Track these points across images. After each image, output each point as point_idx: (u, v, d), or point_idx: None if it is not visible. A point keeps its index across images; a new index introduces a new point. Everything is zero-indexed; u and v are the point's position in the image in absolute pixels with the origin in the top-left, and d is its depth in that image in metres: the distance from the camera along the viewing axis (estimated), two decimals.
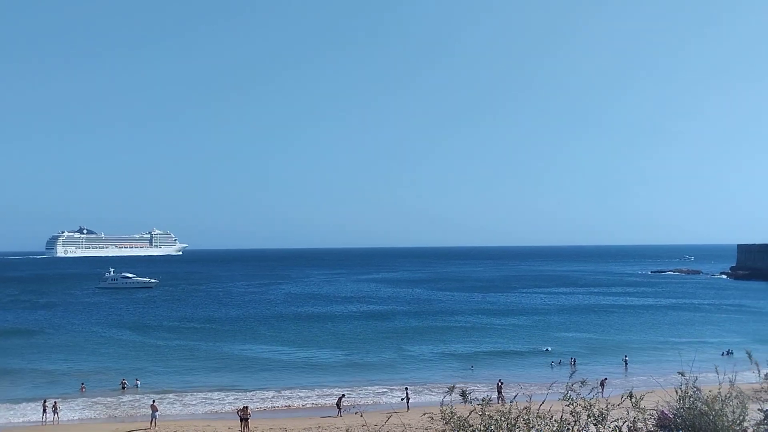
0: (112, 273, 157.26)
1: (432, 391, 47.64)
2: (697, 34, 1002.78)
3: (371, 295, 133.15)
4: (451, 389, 9.73)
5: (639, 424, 8.84)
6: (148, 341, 74.28)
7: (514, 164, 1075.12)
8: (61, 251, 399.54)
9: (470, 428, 8.53)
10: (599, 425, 8.46)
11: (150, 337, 76.89)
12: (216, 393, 49.32)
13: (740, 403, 8.72)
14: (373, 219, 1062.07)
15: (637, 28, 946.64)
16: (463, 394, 9.35)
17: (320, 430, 37.55)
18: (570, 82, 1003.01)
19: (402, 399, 44.21)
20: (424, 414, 11.70)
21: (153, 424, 39.11)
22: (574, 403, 8.67)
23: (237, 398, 47.00)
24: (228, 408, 44.45)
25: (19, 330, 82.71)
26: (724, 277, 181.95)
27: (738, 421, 8.61)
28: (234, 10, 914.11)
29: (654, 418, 9.18)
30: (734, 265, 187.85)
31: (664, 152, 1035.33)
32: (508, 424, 8.50)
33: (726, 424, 8.54)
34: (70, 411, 44.13)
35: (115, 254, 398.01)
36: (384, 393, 49.14)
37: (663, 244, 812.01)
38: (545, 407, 8.88)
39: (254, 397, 47.55)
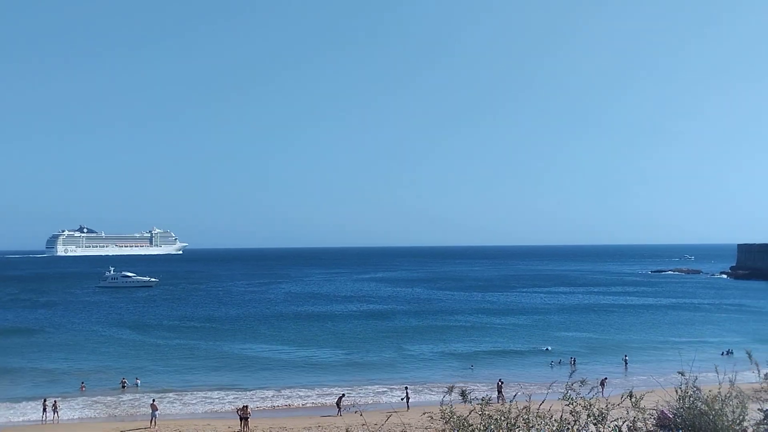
0: (112, 272, 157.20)
1: (432, 391, 47.65)
2: (697, 34, 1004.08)
3: (371, 295, 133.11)
4: (451, 389, 9.73)
5: (639, 424, 8.85)
6: (148, 340, 74.27)
7: (513, 164, 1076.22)
8: (61, 250, 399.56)
9: (470, 427, 8.54)
10: (599, 425, 8.46)
11: (150, 336, 76.88)
12: (216, 392, 49.30)
13: (740, 402, 8.73)
14: (372, 218, 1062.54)
15: (637, 28, 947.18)
16: (463, 393, 9.35)
17: (320, 429, 37.54)
18: (570, 82, 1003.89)
19: (402, 398, 44.19)
20: (424, 413, 11.72)
21: (153, 423, 39.09)
22: (574, 403, 8.68)
23: (237, 397, 46.96)
24: (228, 407, 44.41)
25: (20, 329, 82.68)
26: (724, 276, 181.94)
27: (738, 421, 8.62)
28: (234, 10, 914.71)
29: (654, 418, 9.18)
30: (734, 264, 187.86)
31: (664, 152, 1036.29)
32: (507, 424, 8.50)
33: (726, 423, 8.54)
34: (70, 410, 44.11)
35: (115, 253, 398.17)
36: (384, 392, 49.11)
37: (663, 243, 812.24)
38: (545, 407, 8.89)
39: (254, 396, 47.52)
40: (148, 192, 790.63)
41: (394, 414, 35.43)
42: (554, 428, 8.51)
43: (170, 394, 48.49)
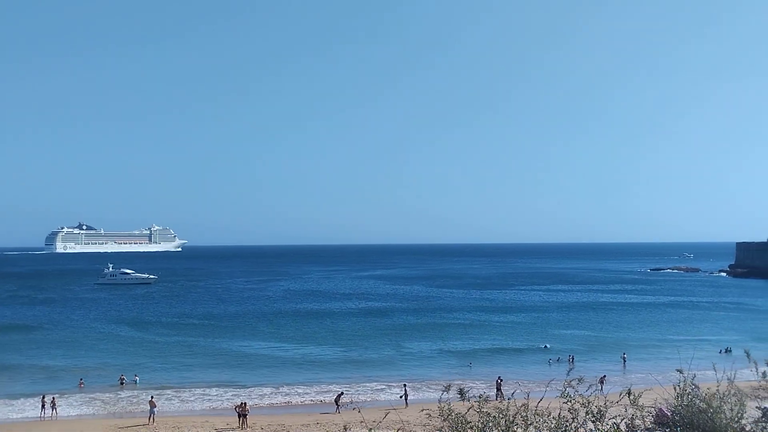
0: (111, 269, 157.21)
1: (430, 388, 47.67)
2: (697, 33, 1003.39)
3: (369, 292, 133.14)
4: (448, 387, 9.73)
5: (637, 422, 8.84)
6: (147, 337, 74.25)
7: (513, 162, 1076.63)
8: (60, 247, 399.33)
9: (468, 425, 8.53)
10: (597, 422, 8.46)
11: (149, 333, 76.86)
12: (214, 389, 49.30)
13: (738, 400, 8.73)
14: (371, 216, 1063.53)
15: (637, 27, 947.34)
16: (461, 392, 9.35)
17: (319, 426, 37.53)
18: (569, 80, 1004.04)
19: (400, 396, 44.22)
20: (423, 410, 11.72)
21: (151, 419, 39.08)
22: (572, 401, 8.67)
23: (235, 394, 46.97)
24: (226, 404, 44.41)
25: (18, 325, 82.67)
26: (723, 275, 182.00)
27: (736, 419, 8.62)
28: (234, 9, 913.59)
29: (652, 416, 9.18)
30: (733, 263, 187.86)
31: (664, 150, 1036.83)
32: (506, 421, 8.50)
33: (724, 421, 8.54)
34: (69, 407, 44.10)
35: (114, 250, 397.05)
36: (382, 390, 49.14)
37: (662, 241, 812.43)
38: (543, 404, 8.88)
39: (253, 394, 47.51)
40: (147, 189, 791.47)
41: (392, 411, 35.48)
42: (552, 426, 8.50)
43: (169, 391, 48.48)
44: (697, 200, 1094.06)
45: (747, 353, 9.93)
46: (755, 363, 9.95)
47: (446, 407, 8.79)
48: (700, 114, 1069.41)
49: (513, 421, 8.52)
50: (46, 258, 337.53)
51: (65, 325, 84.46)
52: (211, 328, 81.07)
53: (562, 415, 8.58)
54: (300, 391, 49.03)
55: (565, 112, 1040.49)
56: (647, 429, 8.95)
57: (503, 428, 8.46)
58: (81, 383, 50.28)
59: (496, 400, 34.25)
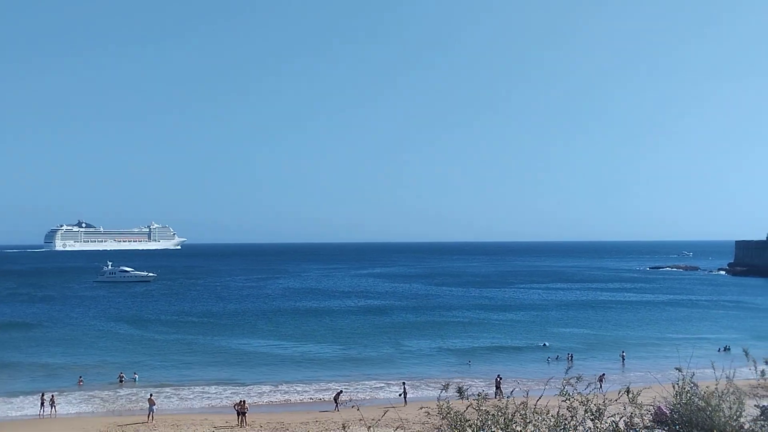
0: (110, 267, 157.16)
1: (429, 386, 47.65)
2: (697, 33, 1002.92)
3: (368, 290, 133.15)
4: (446, 386, 9.75)
5: (636, 420, 8.85)
6: (146, 335, 74.25)
7: (512, 161, 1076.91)
8: (59, 245, 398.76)
9: (467, 423, 8.54)
10: (596, 421, 8.47)
11: (148, 331, 76.86)
12: (213, 387, 49.29)
13: (737, 399, 8.74)
14: (370, 215, 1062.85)
15: (637, 27, 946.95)
16: (460, 390, 9.36)
17: (318, 424, 37.52)
18: (569, 80, 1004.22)
19: (399, 394, 44.24)
20: (422, 408, 11.72)
21: (150, 417, 39.06)
22: (571, 399, 8.68)
23: (234, 392, 46.94)
24: (225, 402, 44.41)
25: (17, 323, 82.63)
26: (722, 273, 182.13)
27: (735, 417, 8.63)
28: (234, 9, 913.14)
29: (651, 414, 9.20)
30: (732, 261, 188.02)
31: (663, 150, 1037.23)
32: (505, 420, 8.50)
33: (722, 420, 8.55)
34: (68, 404, 44.06)
35: (113, 248, 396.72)
36: (381, 388, 49.15)
37: (661, 240, 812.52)
38: (542, 402, 8.89)
39: (252, 392, 47.48)
40: (146, 187, 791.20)
41: (391, 409, 35.53)
42: (551, 424, 8.51)
43: (168, 389, 48.44)
44: (697, 199, 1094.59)
45: (746, 352, 9.95)
46: (754, 361, 9.96)
47: (445, 405, 8.79)
48: (700, 113, 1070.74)
49: (512, 419, 8.53)
50: (45, 256, 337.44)
51: (64, 322, 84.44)
52: (210, 326, 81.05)
53: (560, 413, 8.59)
54: (299, 389, 49.04)
55: (565, 112, 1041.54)
56: (646, 427, 8.96)
57: (502, 426, 8.47)
58: (80, 381, 50.28)
59: (495, 398, 34.28)
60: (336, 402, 42.29)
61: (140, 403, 43.51)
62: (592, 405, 8.52)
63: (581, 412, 8.51)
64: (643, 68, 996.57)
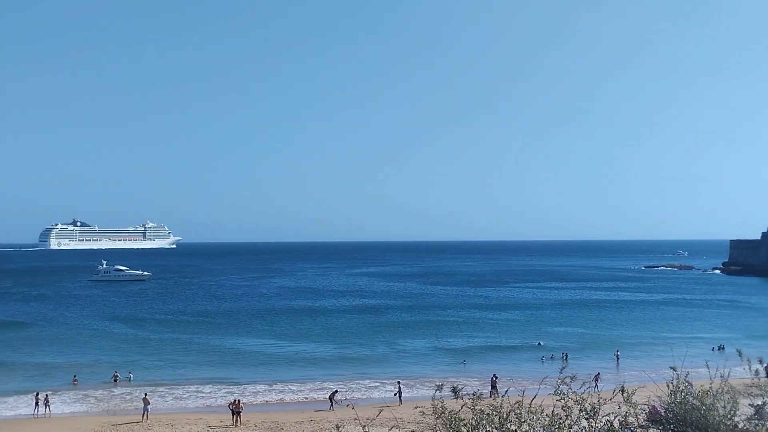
0: (104, 266, 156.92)
1: (424, 386, 47.63)
2: (694, 32, 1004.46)
3: (363, 289, 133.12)
4: (440, 387, 9.73)
5: (630, 419, 8.86)
6: (141, 334, 74.11)
7: (505, 159, 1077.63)
8: (54, 243, 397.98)
9: (461, 422, 8.53)
10: (591, 420, 8.47)
11: (142, 330, 76.73)
12: (208, 386, 49.24)
13: (731, 398, 8.76)
14: (365, 213, 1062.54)
15: (631, 23, 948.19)
16: (454, 390, 9.35)
17: (312, 423, 37.51)
18: (561, 76, 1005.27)
19: (394, 393, 44.26)
20: (416, 408, 11.71)
21: (145, 417, 39.00)
22: (566, 398, 8.68)
23: (229, 391, 46.87)
24: (220, 401, 44.37)
25: (11, 322, 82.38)
26: (717, 272, 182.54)
27: (729, 416, 8.64)
28: (234, 9, 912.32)
29: (645, 413, 9.20)
30: (727, 260, 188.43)
31: (657, 148, 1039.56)
32: (499, 419, 8.50)
33: (717, 418, 8.56)
34: (62, 404, 43.95)
35: (108, 247, 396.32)
36: (376, 387, 49.15)
37: (656, 239, 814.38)
38: (537, 402, 8.88)
39: (246, 391, 47.43)
40: (142, 186, 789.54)
41: (386, 408, 35.54)
42: (546, 423, 8.51)
43: (162, 388, 48.36)
44: (692, 198, 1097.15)
45: (739, 352, 9.95)
46: (748, 360, 9.97)
47: (440, 405, 8.78)
48: (696, 112, 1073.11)
49: (507, 418, 8.52)
50: (40, 254, 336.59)
51: (59, 322, 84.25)
52: (205, 325, 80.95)
53: (555, 412, 8.58)
54: (294, 388, 49.02)
55: (557, 107, 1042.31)
56: (641, 426, 8.97)
57: (497, 426, 8.46)
58: (74, 380, 50.17)
59: (490, 397, 34.28)
60: (331, 401, 42.26)
61: (135, 403, 43.45)
62: (587, 404, 8.52)
63: (576, 411, 8.51)
64: (638, 66, 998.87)
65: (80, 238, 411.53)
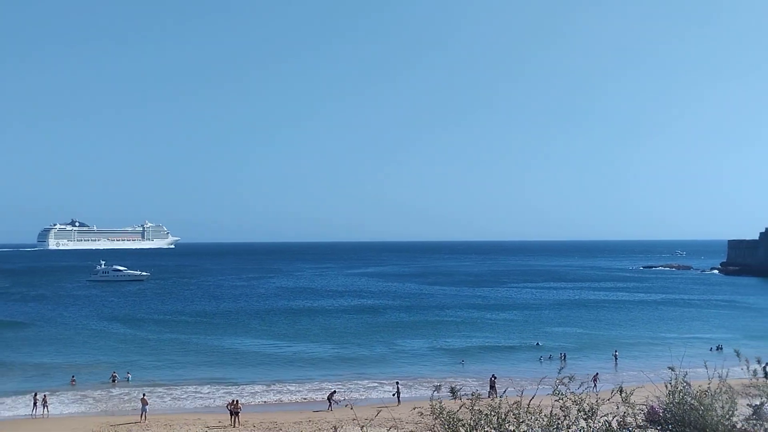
0: (103, 266, 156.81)
1: (422, 386, 47.67)
2: (694, 32, 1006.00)
3: (361, 289, 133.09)
4: (438, 387, 9.72)
5: (628, 419, 8.85)
6: (139, 334, 74.06)
7: (504, 159, 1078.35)
8: (52, 243, 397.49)
9: (460, 423, 8.52)
10: (589, 420, 8.46)
11: (141, 331, 76.67)
12: (206, 386, 49.21)
13: (729, 398, 8.74)
14: (363, 214, 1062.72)
15: (631, 23, 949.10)
16: (453, 390, 9.34)
17: (311, 423, 37.51)
18: (561, 77, 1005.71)
19: (393, 393, 44.25)
20: (415, 408, 11.70)
21: (143, 417, 38.98)
22: (564, 398, 8.67)
23: (227, 392, 46.85)
24: (218, 402, 44.33)
25: (10, 323, 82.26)
26: (715, 272, 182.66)
27: (727, 416, 8.63)
28: (234, 9, 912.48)
29: (643, 413, 9.19)
30: (725, 260, 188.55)
31: (657, 148, 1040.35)
32: (498, 419, 8.49)
33: (715, 419, 8.55)
34: (60, 404, 43.92)
35: (106, 247, 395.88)
36: (375, 387, 49.15)
37: (654, 239, 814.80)
38: (535, 402, 8.87)
39: (244, 391, 47.41)
40: (141, 186, 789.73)
41: (384, 409, 35.58)
42: (544, 423, 8.50)
43: (160, 389, 48.36)
44: (690, 197, 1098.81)
45: (737, 353, 9.94)
46: (746, 361, 9.96)
47: (438, 405, 8.77)
48: (696, 112, 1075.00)
49: (505, 418, 8.51)
50: (38, 255, 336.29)
51: (57, 322, 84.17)
52: (203, 326, 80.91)
53: (553, 412, 8.57)
54: (292, 388, 49.02)
55: (557, 108, 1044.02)
56: (639, 426, 8.96)
57: (495, 426, 8.45)
58: (73, 381, 50.13)
59: (489, 397, 34.29)
60: (329, 401, 42.26)
61: (133, 403, 43.45)
62: (585, 404, 8.51)
63: (574, 411, 8.50)
64: (639, 67, 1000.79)
65: (78, 239, 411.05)
